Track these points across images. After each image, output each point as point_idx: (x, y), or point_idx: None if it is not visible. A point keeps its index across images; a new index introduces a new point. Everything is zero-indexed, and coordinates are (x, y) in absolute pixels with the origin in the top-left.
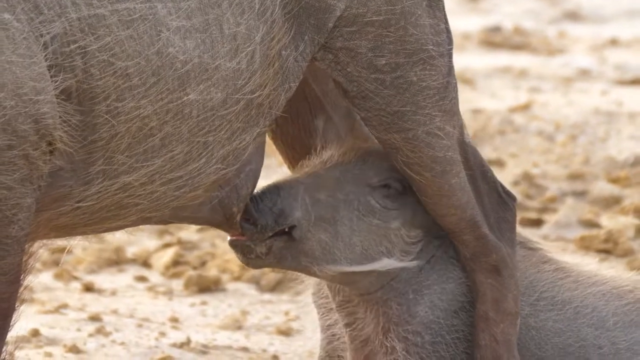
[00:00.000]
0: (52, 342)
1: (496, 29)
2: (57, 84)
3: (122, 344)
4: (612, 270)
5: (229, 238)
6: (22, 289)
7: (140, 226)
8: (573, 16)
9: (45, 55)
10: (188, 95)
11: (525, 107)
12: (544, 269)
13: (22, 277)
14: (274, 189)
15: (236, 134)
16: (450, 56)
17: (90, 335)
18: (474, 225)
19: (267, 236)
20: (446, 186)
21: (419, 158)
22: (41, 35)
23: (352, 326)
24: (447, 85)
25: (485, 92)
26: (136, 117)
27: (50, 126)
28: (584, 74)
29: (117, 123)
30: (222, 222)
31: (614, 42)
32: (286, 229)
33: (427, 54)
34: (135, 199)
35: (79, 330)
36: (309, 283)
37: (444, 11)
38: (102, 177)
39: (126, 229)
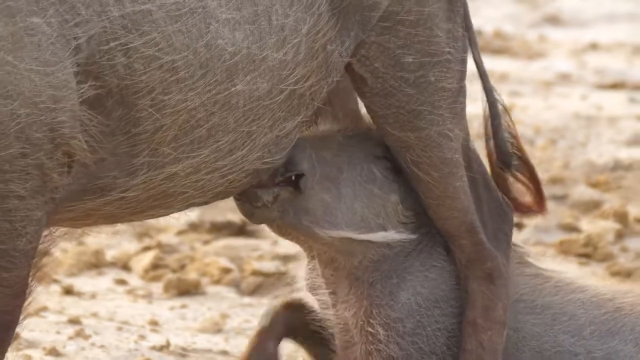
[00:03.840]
0: (31, 344)
1: (476, 33)
2: (83, 91)
3: (102, 347)
4: (592, 277)
5: None
6: (27, 302)
7: (120, 229)
8: (553, 20)
9: (76, 59)
10: (236, 86)
11: None
12: (524, 272)
13: (27, 291)
14: None
15: (278, 123)
16: (464, 63)
17: (70, 338)
18: (473, 231)
19: (276, 182)
20: (451, 188)
21: (428, 158)
22: (75, 38)
23: (335, 307)
24: (460, 90)
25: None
26: (183, 109)
27: (67, 135)
28: (564, 78)
29: (162, 116)
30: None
31: (593, 47)
32: (293, 178)
33: (445, 57)
34: (182, 188)
35: (58, 333)
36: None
37: (462, 18)
38: (147, 168)
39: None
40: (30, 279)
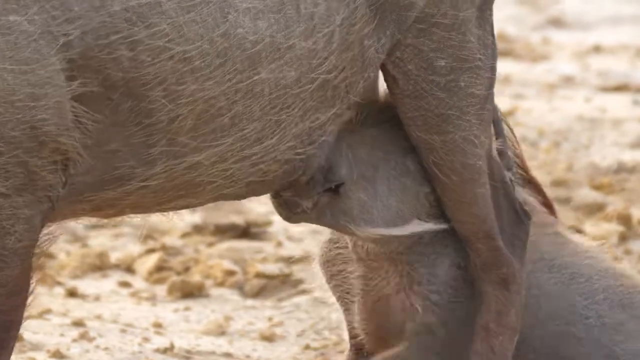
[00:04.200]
0: (35, 347)
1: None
2: (74, 87)
3: (106, 349)
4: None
5: (272, 192)
6: (26, 301)
7: (123, 231)
8: (557, 22)
9: (66, 55)
10: (259, 74)
11: (508, 114)
12: (545, 231)
13: (24, 291)
14: None
15: (309, 113)
16: (493, 70)
17: (74, 340)
18: (490, 237)
19: (316, 192)
20: (470, 194)
21: (450, 162)
22: (65, 35)
23: (368, 279)
24: (488, 97)
25: None
26: (200, 98)
27: (53, 133)
28: (568, 80)
29: (177, 106)
30: (284, 187)
31: (597, 49)
32: (333, 186)
33: (476, 63)
34: (208, 177)
35: (62, 335)
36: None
37: (492, 26)
38: (165, 157)
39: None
40: (26, 278)
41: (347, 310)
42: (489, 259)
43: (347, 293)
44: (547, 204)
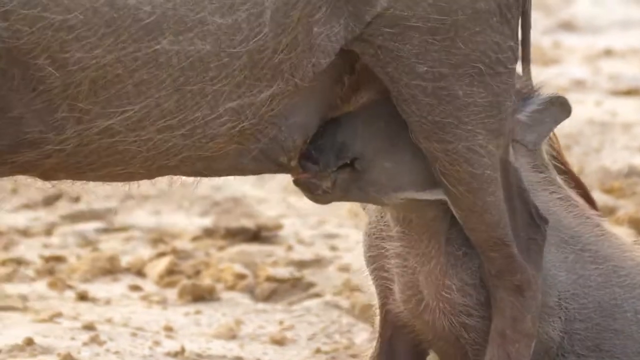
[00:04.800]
0: (46, 351)
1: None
2: None
3: (117, 353)
4: None
5: (292, 178)
6: None
7: (134, 235)
8: (567, 26)
9: None
10: (160, 44)
11: None
12: (587, 222)
13: None
14: (333, 124)
15: (243, 89)
16: (509, 75)
17: (85, 344)
18: (503, 244)
19: (331, 171)
20: (480, 203)
21: (456, 172)
22: None
23: (406, 259)
24: (497, 105)
25: None
26: (92, 66)
27: None
28: (579, 84)
29: (67, 73)
30: (275, 169)
31: (608, 53)
32: (348, 162)
33: (476, 70)
34: (130, 145)
35: (73, 339)
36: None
37: (516, 28)
38: (72, 122)
39: (149, 179)
40: None
41: (384, 295)
42: (503, 266)
43: (386, 274)
44: (587, 197)
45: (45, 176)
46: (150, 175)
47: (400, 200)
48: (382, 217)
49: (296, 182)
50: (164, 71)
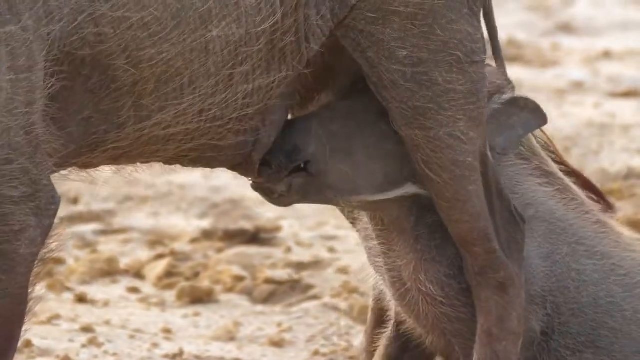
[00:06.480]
0: (44, 353)
1: (489, 41)
2: (50, 88)
3: (115, 355)
4: None
5: (250, 182)
6: (27, 311)
7: (133, 237)
8: (566, 28)
9: (48, 54)
10: (211, 32)
11: None
12: (586, 217)
13: (27, 299)
14: (287, 127)
15: (258, 72)
16: (483, 65)
17: (83, 346)
18: (486, 238)
19: (284, 175)
20: (463, 191)
21: (439, 159)
22: (49, 34)
23: (387, 256)
24: (475, 93)
25: None
26: (160, 61)
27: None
28: (577, 86)
29: (139, 71)
30: (243, 167)
31: (607, 55)
32: (302, 165)
33: (454, 58)
34: (174, 133)
35: (71, 341)
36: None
37: (480, 22)
38: (133, 119)
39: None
40: (28, 287)
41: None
42: (486, 262)
43: (380, 270)
44: (596, 192)
45: (88, 166)
46: (167, 161)
47: (357, 203)
48: (366, 217)
49: (253, 187)
50: (211, 59)
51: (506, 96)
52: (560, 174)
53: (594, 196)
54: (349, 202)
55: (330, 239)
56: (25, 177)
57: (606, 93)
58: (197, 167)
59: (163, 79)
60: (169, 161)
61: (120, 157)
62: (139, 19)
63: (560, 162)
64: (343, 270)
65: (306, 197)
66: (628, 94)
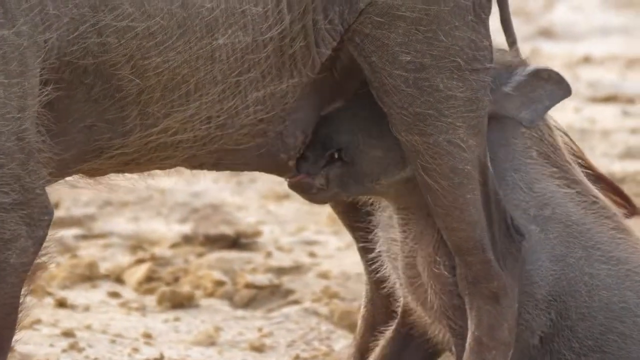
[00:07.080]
0: (25, 357)
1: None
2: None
3: (95, 359)
4: None
5: (287, 181)
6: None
7: (113, 242)
8: (547, 33)
9: (45, 62)
10: (217, 40)
11: None
12: (604, 222)
13: (18, 308)
14: (320, 121)
15: (268, 78)
16: (486, 74)
17: (64, 351)
18: (481, 248)
19: (321, 165)
20: (461, 199)
21: (438, 165)
22: (45, 41)
23: (405, 242)
24: (475, 101)
25: None
26: (166, 70)
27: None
28: None
29: (144, 80)
30: (273, 168)
31: (587, 60)
32: (336, 155)
33: (455, 64)
34: (181, 140)
35: (52, 346)
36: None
37: (489, 29)
38: (139, 127)
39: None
40: (20, 296)
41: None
42: (480, 272)
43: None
44: (622, 196)
45: (93, 174)
46: (191, 166)
47: (388, 187)
48: (385, 208)
49: (290, 185)
50: (217, 66)
51: (529, 68)
52: (582, 176)
53: (619, 199)
54: (383, 187)
55: (310, 244)
56: (17, 183)
57: (586, 98)
58: (221, 170)
59: (169, 86)
60: (192, 167)
61: (129, 163)
62: (145, 28)
63: (586, 165)
64: (323, 275)
65: (345, 188)
66: (608, 99)
